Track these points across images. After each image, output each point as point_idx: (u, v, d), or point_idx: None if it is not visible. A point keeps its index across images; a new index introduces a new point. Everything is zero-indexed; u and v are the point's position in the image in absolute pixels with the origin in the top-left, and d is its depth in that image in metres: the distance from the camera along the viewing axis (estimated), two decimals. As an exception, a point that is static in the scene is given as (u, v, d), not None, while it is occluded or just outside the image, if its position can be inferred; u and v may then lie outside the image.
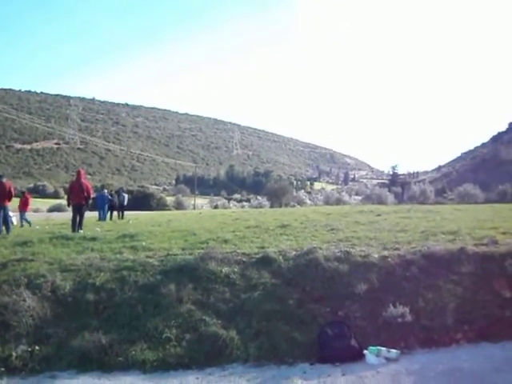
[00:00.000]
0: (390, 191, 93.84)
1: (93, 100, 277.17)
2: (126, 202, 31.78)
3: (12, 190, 17.00)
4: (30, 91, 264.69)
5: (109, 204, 29.04)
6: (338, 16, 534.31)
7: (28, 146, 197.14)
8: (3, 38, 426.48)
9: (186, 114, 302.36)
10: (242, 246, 11.61)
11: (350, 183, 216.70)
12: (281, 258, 10.22)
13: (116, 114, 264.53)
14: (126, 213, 31.31)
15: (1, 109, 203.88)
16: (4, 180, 16.93)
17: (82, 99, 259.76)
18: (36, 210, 64.80)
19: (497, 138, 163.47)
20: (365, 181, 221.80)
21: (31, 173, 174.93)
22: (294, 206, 77.32)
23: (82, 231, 16.60)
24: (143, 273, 9.53)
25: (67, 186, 22.25)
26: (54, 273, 9.34)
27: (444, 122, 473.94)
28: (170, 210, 69.00)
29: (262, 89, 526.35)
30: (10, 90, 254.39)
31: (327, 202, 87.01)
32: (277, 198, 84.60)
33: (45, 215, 41.69)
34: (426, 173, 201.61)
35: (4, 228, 16.68)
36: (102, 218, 27.46)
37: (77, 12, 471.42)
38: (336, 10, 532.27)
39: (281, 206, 72.42)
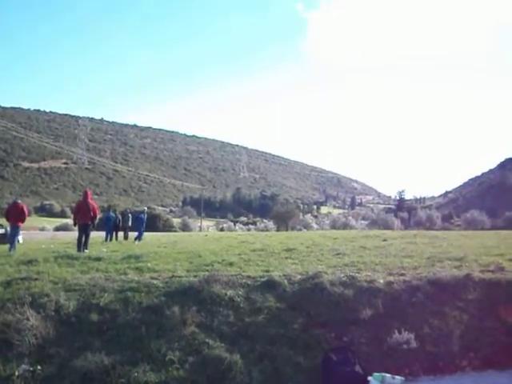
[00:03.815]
0: (396, 216, 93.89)
1: (101, 120, 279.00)
2: (130, 223, 31.71)
3: (25, 211, 18.30)
4: (38, 110, 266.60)
5: (114, 224, 28.88)
6: (346, 42, 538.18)
7: (36, 165, 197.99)
8: (14, 56, 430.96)
9: (194, 136, 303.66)
10: (247, 269, 11.59)
11: (357, 208, 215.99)
12: (286, 281, 10.20)
13: (124, 134, 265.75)
14: (131, 233, 31.25)
15: (10, 127, 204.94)
16: (19, 201, 18.51)
17: (91, 119, 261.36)
18: (42, 229, 65.02)
19: (504, 165, 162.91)
20: (371, 205, 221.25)
21: (38, 192, 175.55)
22: (300, 229, 77.30)
23: (87, 251, 16.64)
24: (147, 294, 9.51)
25: (74, 205, 22.42)
26: (58, 292, 9.32)
27: (451, 148, 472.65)
28: (176, 231, 68.96)
29: (269, 112, 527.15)
30: (20, 108, 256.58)
31: (334, 227, 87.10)
32: (283, 221, 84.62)
33: (51, 234, 41.77)
34: (432, 198, 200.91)
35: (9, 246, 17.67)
36: (138, 238, 27.14)
37: (85, 30, 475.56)
38: (345, 35, 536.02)
39: (287, 230, 72.39)
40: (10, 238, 18.54)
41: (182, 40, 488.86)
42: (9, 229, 26.75)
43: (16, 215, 17.92)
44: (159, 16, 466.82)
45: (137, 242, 24.81)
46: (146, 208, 33.23)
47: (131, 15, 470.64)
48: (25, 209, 18.41)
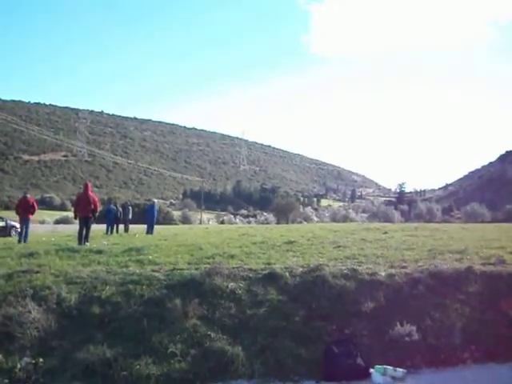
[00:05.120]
0: (396, 209, 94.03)
1: (101, 113, 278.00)
2: (130, 216, 31.66)
3: (35, 204, 19.78)
4: (39, 103, 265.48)
5: (114, 216, 28.84)
6: (347, 36, 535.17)
7: (36, 158, 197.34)
8: (18, 51, 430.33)
9: (194, 128, 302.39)
10: (248, 262, 11.59)
11: (357, 200, 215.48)
12: (287, 274, 10.20)
13: (124, 127, 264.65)
14: (132, 226, 31.22)
15: (10, 120, 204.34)
16: (28, 196, 19.74)
17: (91, 112, 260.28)
18: (42, 222, 65.01)
19: (504, 158, 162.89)
20: (371, 198, 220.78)
21: (39, 184, 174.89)
22: (300, 222, 77.44)
23: (88, 244, 16.62)
24: (149, 287, 9.50)
25: (74, 198, 22.61)
26: (59, 285, 9.32)
27: (452, 141, 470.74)
28: (176, 224, 68.96)
29: (270, 108, 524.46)
30: (20, 101, 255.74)
31: (334, 219, 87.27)
32: (283, 214, 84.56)
33: (51, 227, 41.76)
34: (433, 191, 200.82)
35: (17, 238, 19.47)
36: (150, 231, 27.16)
37: (90, 27, 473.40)
38: (347, 29, 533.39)
39: (287, 223, 72.37)
40: (20, 231, 19.78)
41: (188, 51, 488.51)
42: (9, 221, 27.42)
43: (26, 208, 19.09)
44: (172, 26, 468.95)
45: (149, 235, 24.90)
46: (155, 200, 33.01)
47: (146, 25, 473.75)
48: (35, 202, 19.82)
